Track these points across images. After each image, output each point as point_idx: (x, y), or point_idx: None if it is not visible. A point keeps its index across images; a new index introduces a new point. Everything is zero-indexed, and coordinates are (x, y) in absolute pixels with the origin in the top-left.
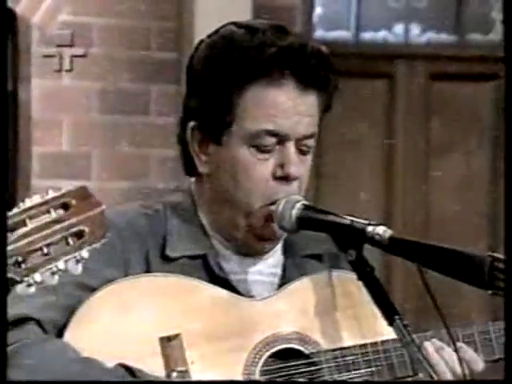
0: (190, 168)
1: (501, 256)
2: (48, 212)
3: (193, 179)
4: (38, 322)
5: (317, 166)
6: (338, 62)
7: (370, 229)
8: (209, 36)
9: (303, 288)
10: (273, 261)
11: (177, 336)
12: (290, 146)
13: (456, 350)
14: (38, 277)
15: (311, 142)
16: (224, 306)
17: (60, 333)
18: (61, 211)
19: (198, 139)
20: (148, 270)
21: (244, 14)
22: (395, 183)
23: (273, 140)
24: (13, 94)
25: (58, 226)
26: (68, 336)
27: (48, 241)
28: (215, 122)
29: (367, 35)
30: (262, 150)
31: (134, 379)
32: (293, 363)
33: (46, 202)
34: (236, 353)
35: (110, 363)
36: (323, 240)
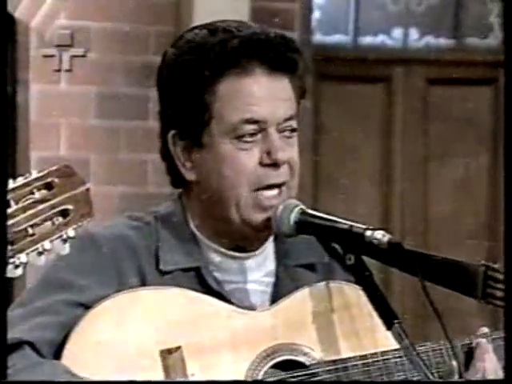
0: (176, 179)
1: (495, 265)
2: (32, 192)
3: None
4: (31, 345)
5: (315, 169)
6: (336, 66)
7: (368, 233)
8: (173, 44)
9: (302, 299)
10: (266, 269)
11: (177, 348)
12: (273, 132)
13: (455, 356)
14: (24, 258)
15: (293, 124)
16: (224, 318)
17: (57, 351)
18: (44, 191)
19: (180, 147)
20: (143, 284)
21: (242, 18)
22: (393, 187)
23: (254, 128)
24: (11, 98)
25: (42, 206)
26: (68, 350)
27: (33, 221)
28: (193, 124)
29: (365, 39)
30: (244, 140)
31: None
32: (293, 374)
33: (29, 183)
34: (236, 365)
35: (110, 376)
36: (316, 249)
